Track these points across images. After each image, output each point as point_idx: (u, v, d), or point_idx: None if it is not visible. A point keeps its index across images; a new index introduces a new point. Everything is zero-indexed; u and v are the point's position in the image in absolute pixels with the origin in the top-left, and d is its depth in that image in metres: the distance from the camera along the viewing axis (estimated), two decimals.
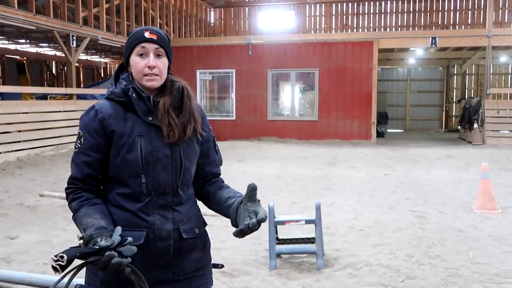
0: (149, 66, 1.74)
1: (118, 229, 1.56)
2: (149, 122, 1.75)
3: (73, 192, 1.74)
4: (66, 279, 1.52)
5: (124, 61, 1.84)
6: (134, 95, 1.75)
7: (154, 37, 1.76)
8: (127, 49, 1.80)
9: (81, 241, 1.55)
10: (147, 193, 1.73)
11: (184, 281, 1.79)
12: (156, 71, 1.75)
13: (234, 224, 1.75)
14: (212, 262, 1.95)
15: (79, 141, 1.76)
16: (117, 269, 1.47)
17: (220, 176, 2.00)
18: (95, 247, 1.48)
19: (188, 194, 1.85)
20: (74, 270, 1.48)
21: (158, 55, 1.77)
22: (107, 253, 1.45)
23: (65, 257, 1.44)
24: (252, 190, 1.68)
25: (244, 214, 1.68)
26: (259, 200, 1.70)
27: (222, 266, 1.97)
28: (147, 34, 1.76)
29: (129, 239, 1.54)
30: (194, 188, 1.91)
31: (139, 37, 1.77)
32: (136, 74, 1.77)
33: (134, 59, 1.77)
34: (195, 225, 1.83)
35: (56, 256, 1.44)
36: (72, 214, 1.75)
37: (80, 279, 1.73)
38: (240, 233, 1.65)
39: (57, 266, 1.44)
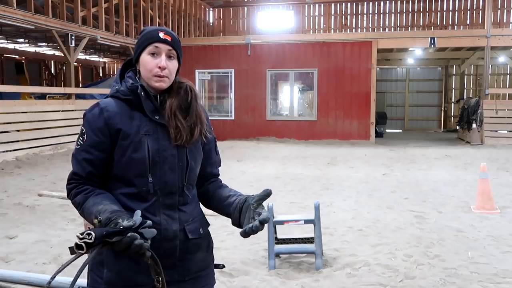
0: (160, 67, 1.73)
1: (138, 212, 1.56)
2: (156, 121, 1.74)
3: (76, 187, 1.72)
4: (65, 278, 1.50)
5: (133, 59, 1.82)
6: (142, 93, 1.74)
7: (168, 38, 1.76)
8: (139, 47, 1.78)
9: (99, 224, 1.52)
10: (154, 193, 1.72)
11: (189, 282, 1.79)
12: (166, 72, 1.74)
13: (236, 223, 1.75)
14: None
15: (81, 138, 1.73)
16: (138, 251, 1.46)
17: (219, 177, 2.00)
18: (118, 227, 1.45)
19: (193, 194, 1.84)
20: (94, 252, 1.43)
21: (169, 57, 1.76)
22: (129, 234, 1.44)
23: (93, 234, 1.40)
24: (267, 195, 1.69)
25: (249, 215, 1.69)
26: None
27: (223, 266, 1.98)
28: (161, 35, 1.75)
29: (149, 222, 1.53)
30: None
31: (153, 37, 1.75)
32: (146, 73, 1.75)
33: (145, 57, 1.75)
34: (199, 225, 1.83)
35: (82, 233, 1.41)
36: (77, 208, 1.72)
37: (82, 279, 1.73)
38: (245, 234, 1.65)
39: (83, 244, 1.40)
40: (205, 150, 1.89)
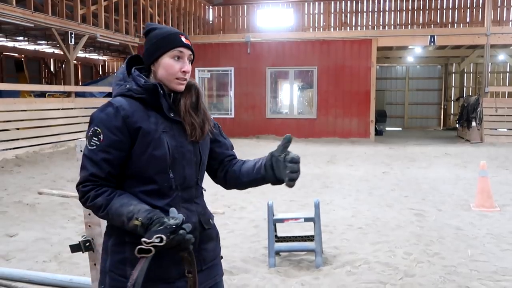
0: (185, 71, 1.79)
1: (174, 209, 1.64)
2: (171, 118, 1.79)
3: (94, 189, 1.70)
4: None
5: (149, 60, 1.82)
6: (161, 91, 1.78)
7: (189, 43, 1.83)
8: (158, 48, 1.79)
9: (140, 225, 1.59)
10: (175, 188, 1.77)
11: (205, 271, 1.85)
12: (187, 76, 1.82)
13: (274, 180, 1.80)
14: None
15: (96, 139, 1.71)
16: (186, 245, 1.57)
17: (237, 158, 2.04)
18: (168, 225, 1.54)
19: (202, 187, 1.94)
20: (150, 255, 1.51)
21: (190, 61, 1.84)
22: (181, 231, 1.54)
23: (163, 237, 1.50)
24: (288, 141, 1.76)
25: (281, 165, 1.75)
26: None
27: (221, 257, 2.03)
28: (183, 39, 1.81)
29: (184, 217, 1.61)
30: (220, 176, 1.99)
31: (177, 41, 1.80)
32: (167, 76, 1.79)
33: (168, 61, 1.78)
34: (209, 216, 1.92)
35: (149, 238, 1.50)
36: (97, 211, 1.71)
37: (85, 278, 1.73)
38: (289, 183, 1.72)
39: (152, 248, 1.49)
40: (213, 138, 1.95)
